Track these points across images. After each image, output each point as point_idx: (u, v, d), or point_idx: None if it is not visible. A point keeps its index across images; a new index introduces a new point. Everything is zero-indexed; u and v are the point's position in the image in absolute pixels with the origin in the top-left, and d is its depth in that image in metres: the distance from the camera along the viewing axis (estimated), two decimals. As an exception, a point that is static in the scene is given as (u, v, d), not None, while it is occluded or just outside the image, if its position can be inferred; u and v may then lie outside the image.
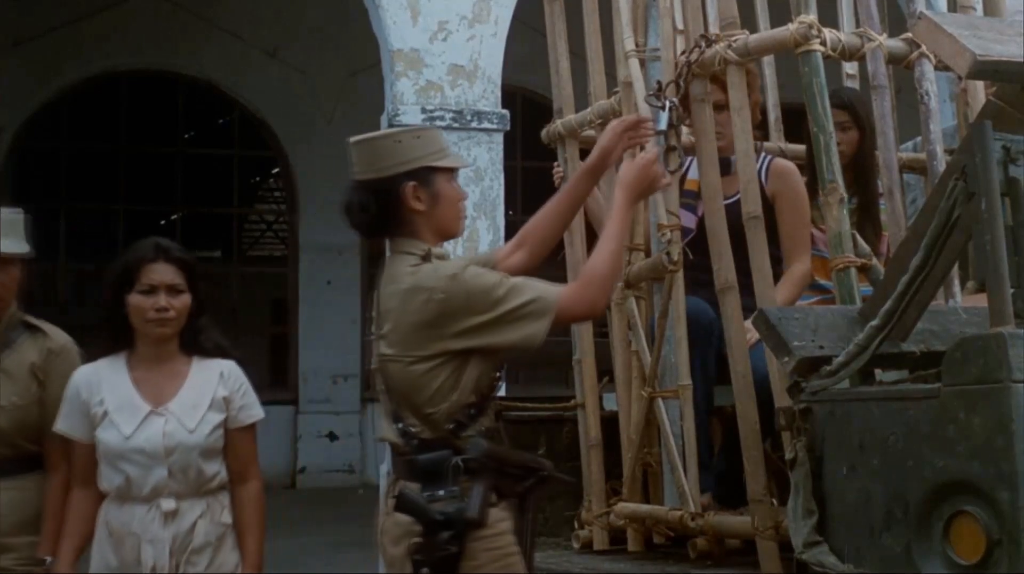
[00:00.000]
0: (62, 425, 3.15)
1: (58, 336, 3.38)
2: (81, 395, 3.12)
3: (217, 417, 3.13)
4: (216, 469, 3.13)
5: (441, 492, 2.68)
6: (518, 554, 2.77)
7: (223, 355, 3.22)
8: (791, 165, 3.90)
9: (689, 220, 3.73)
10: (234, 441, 3.16)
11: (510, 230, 6.35)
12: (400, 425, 2.78)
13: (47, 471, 3.27)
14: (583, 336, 4.07)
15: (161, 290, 3.08)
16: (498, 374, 2.84)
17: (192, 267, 3.16)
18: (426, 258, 2.79)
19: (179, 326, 3.12)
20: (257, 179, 14.44)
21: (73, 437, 3.14)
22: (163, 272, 3.09)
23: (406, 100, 6.45)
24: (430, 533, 2.65)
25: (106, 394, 3.11)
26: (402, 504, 2.71)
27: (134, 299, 3.08)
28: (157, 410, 3.10)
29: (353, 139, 2.91)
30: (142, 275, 3.08)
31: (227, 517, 3.14)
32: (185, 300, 3.11)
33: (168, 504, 3.05)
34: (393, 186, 2.81)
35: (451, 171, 2.91)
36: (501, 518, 2.75)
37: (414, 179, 2.81)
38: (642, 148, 3.26)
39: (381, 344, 2.82)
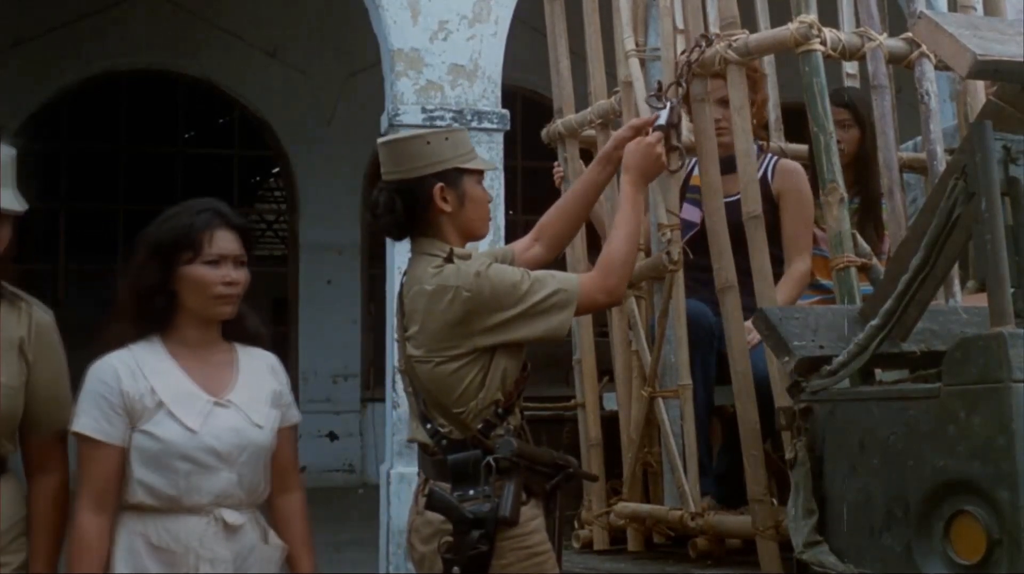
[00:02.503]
0: (85, 426, 2.52)
1: (41, 307, 2.74)
2: (121, 384, 2.53)
3: (276, 414, 2.68)
4: (266, 476, 2.68)
5: (472, 491, 2.70)
6: (548, 552, 2.80)
7: (263, 344, 2.77)
8: (798, 165, 3.89)
9: (696, 216, 3.73)
10: (280, 442, 2.70)
11: (510, 230, 6.36)
12: (429, 426, 2.80)
13: (35, 473, 2.67)
14: (583, 336, 4.07)
15: (229, 261, 2.60)
16: (525, 372, 2.86)
17: (251, 236, 2.70)
18: (449, 259, 2.80)
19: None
20: (257, 179, 14.42)
21: (103, 441, 2.51)
22: (229, 241, 2.61)
23: (406, 100, 6.44)
24: (461, 532, 2.66)
25: (155, 382, 2.55)
26: (433, 503, 2.73)
27: (197, 271, 2.57)
28: (220, 401, 2.60)
29: (381, 140, 2.94)
30: (208, 244, 2.58)
31: (275, 537, 2.69)
32: (247, 274, 2.65)
33: (232, 516, 2.56)
34: (421, 187, 2.83)
35: (479, 173, 2.93)
36: (532, 517, 2.78)
37: (442, 180, 2.84)
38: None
39: (408, 346, 2.83)
